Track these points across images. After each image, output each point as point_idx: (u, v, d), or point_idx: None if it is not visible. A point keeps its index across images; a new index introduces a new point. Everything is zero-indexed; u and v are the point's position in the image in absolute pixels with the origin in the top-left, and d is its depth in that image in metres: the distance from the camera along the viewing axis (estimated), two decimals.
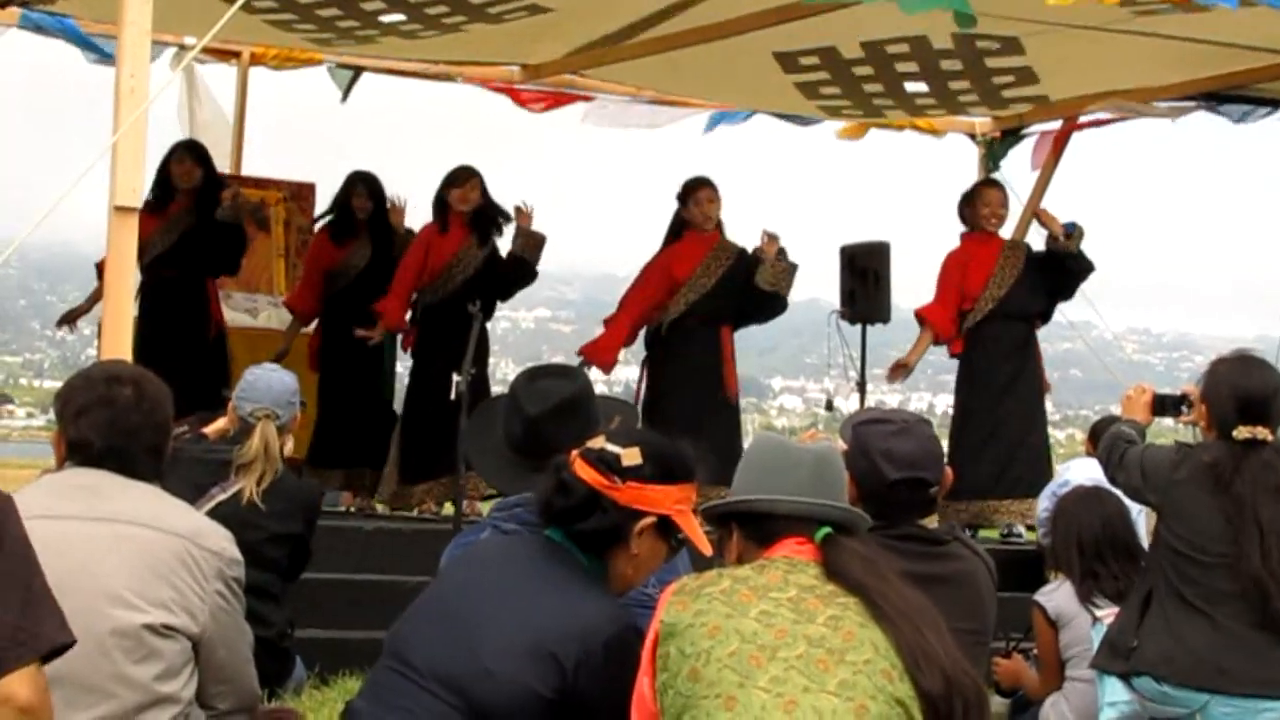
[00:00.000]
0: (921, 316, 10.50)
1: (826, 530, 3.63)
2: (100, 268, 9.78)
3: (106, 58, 9.97)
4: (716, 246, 10.20)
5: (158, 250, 9.69)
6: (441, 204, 9.95)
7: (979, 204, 10.40)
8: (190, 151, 10.04)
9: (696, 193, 10.21)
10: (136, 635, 4.09)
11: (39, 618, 3.38)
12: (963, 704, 3.38)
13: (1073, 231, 10.27)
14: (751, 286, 10.11)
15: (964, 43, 9.29)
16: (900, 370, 10.59)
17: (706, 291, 10.13)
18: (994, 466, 10.10)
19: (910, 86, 10.15)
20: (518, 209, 10.03)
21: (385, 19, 9.16)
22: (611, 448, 3.91)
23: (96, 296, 9.92)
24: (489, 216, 10.01)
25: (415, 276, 9.92)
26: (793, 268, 10.22)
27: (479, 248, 9.94)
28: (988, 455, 10.12)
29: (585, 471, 3.89)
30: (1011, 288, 10.32)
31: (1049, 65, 9.68)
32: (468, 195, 9.92)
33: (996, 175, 11.58)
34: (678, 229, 10.30)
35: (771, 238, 10.16)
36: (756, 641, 3.37)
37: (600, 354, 10.23)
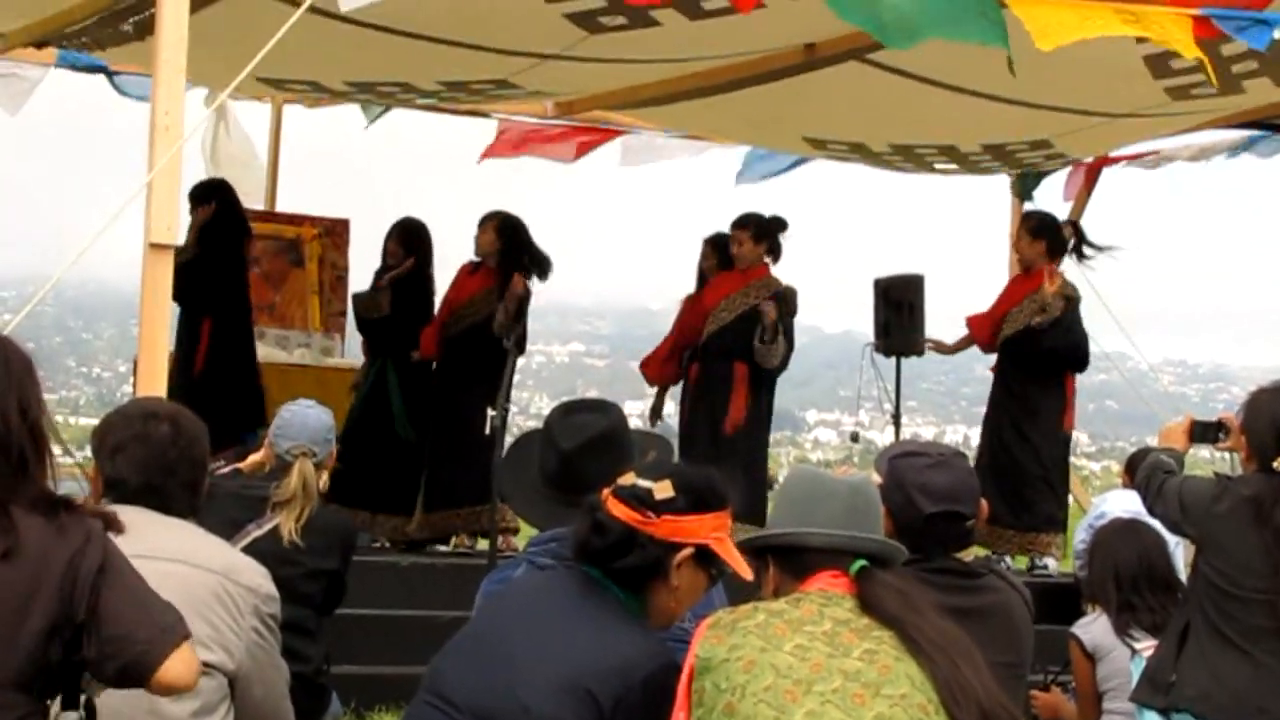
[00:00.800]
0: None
1: (861, 563, 3.62)
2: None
3: (133, 97, 10.07)
4: (751, 284, 10.21)
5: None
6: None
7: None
8: (193, 199, 9.95)
9: (731, 233, 10.32)
10: None
11: (166, 611, 3.52)
12: None
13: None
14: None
15: (995, 149, 9.45)
16: (935, 346, 10.68)
17: (724, 325, 10.17)
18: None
19: (939, 165, 10.30)
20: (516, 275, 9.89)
21: (421, 101, 9.44)
22: (643, 483, 3.90)
23: None
24: (512, 261, 9.93)
25: (447, 311, 9.99)
26: (777, 350, 10.12)
27: (495, 293, 9.88)
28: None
29: (619, 509, 3.88)
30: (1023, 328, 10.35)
31: (1070, 141, 9.75)
32: (479, 241, 10.00)
33: (1029, 206, 11.58)
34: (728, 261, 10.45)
35: (770, 308, 10.08)
36: (792, 676, 3.36)
37: (646, 366, 10.68)
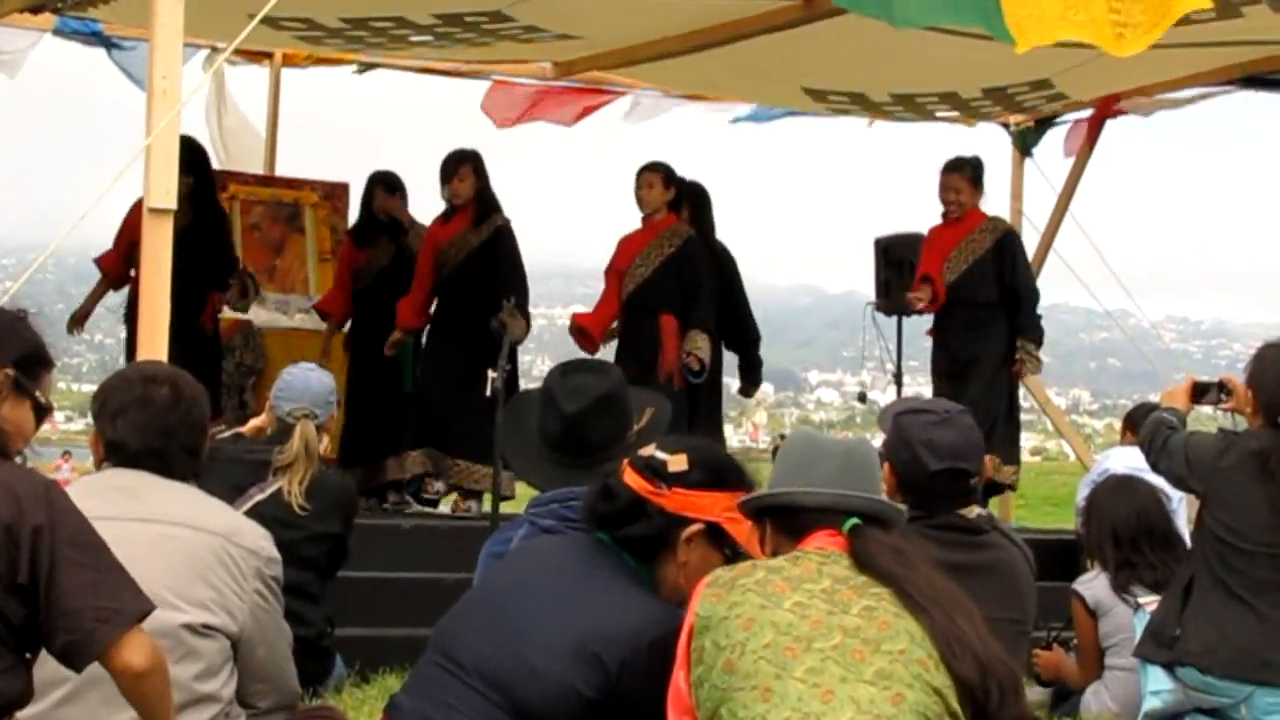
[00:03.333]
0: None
1: (854, 521, 3.61)
2: (99, 263, 9.78)
3: (135, 80, 10.02)
4: (662, 234, 9.94)
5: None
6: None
7: (939, 188, 10.33)
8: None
9: (637, 177, 9.99)
10: (175, 635, 4.10)
11: (115, 593, 3.52)
12: (998, 688, 3.36)
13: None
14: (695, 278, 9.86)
15: (996, 93, 9.39)
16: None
17: (644, 280, 9.91)
18: None
19: (940, 113, 10.22)
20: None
21: (415, 38, 9.33)
22: (660, 454, 3.90)
23: (98, 294, 9.90)
24: (487, 200, 9.74)
25: (429, 274, 9.81)
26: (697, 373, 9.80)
27: (474, 230, 9.68)
28: None
29: (632, 478, 3.89)
30: (964, 273, 10.15)
31: (1071, 79, 9.69)
32: (458, 189, 9.68)
33: (1029, 163, 11.54)
34: None
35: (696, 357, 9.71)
36: (792, 633, 3.36)
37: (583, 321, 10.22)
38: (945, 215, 10.20)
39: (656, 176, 9.91)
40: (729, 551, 3.91)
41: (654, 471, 3.88)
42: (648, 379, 9.28)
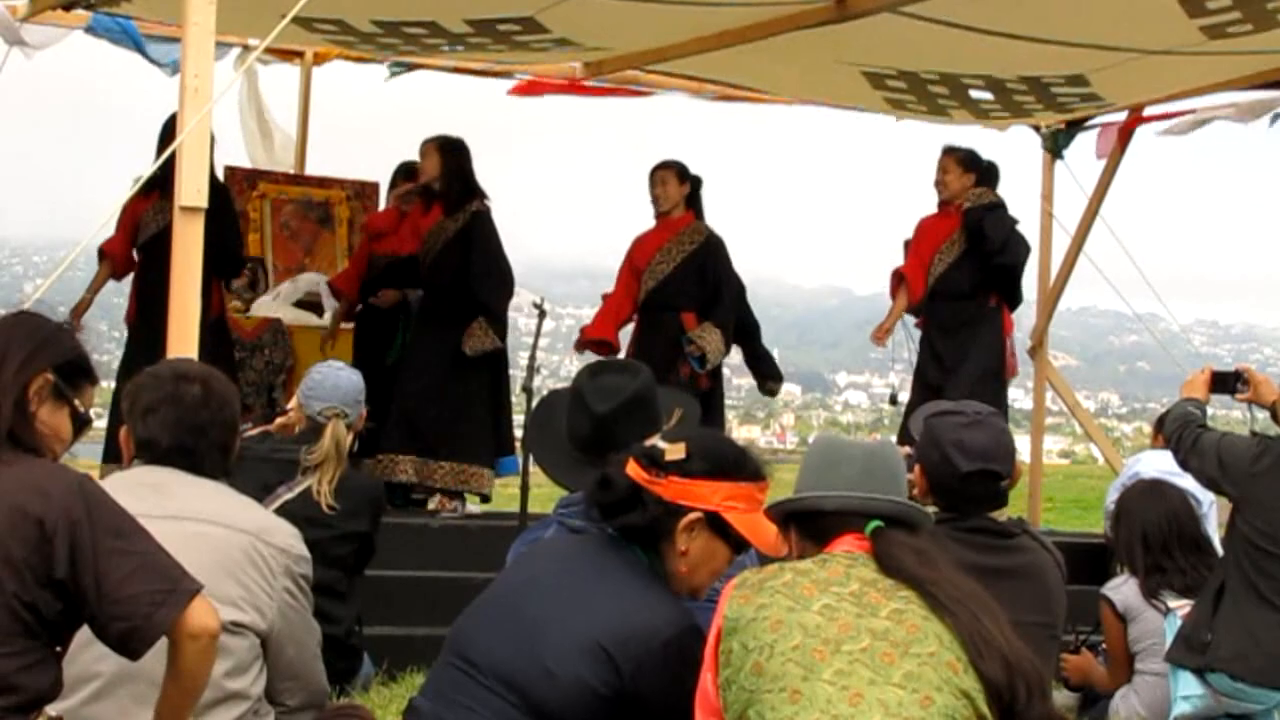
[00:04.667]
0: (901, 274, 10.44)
1: (876, 524, 3.60)
2: (103, 248, 9.71)
3: (165, 66, 10.01)
4: (682, 231, 9.96)
5: (152, 230, 9.38)
6: (424, 193, 9.70)
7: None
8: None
9: (650, 176, 10.01)
10: None
11: (165, 574, 3.57)
12: (1025, 688, 3.35)
13: None
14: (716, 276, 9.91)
15: (1032, 81, 9.36)
16: (881, 333, 10.43)
17: (664, 278, 9.92)
18: None
19: (976, 95, 10.16)
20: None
21: (446, 48, 9.36)
22: (660, 444, 3.90)
23: (100, 283, 9.83)
24: (463, 187, 9.56)
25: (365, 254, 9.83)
26: (715, 354, 9.80)
27: (450, 218, 9.53)
28: None
29: (631, 467, 3.89)
30: (951, 264, 10.14)
31: (1106, 79, 9.65)
32: (425, 167, 9.58)
33: (1060, 165, 11.50)
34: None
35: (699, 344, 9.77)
36: (820, 635, 3.36)
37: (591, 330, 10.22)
38: (938, 203, 10.25)
39: (670, 174, 9.95)
40: (735, 541, 3.91)
41: (651, 460, 3.88)
42: (664, 377, 9.01)
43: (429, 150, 9.57)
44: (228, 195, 9.95)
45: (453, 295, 9.35)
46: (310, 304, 10.96)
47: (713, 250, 9.90)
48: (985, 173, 10.23)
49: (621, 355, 9.95)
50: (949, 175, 10.15)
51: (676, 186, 9.93)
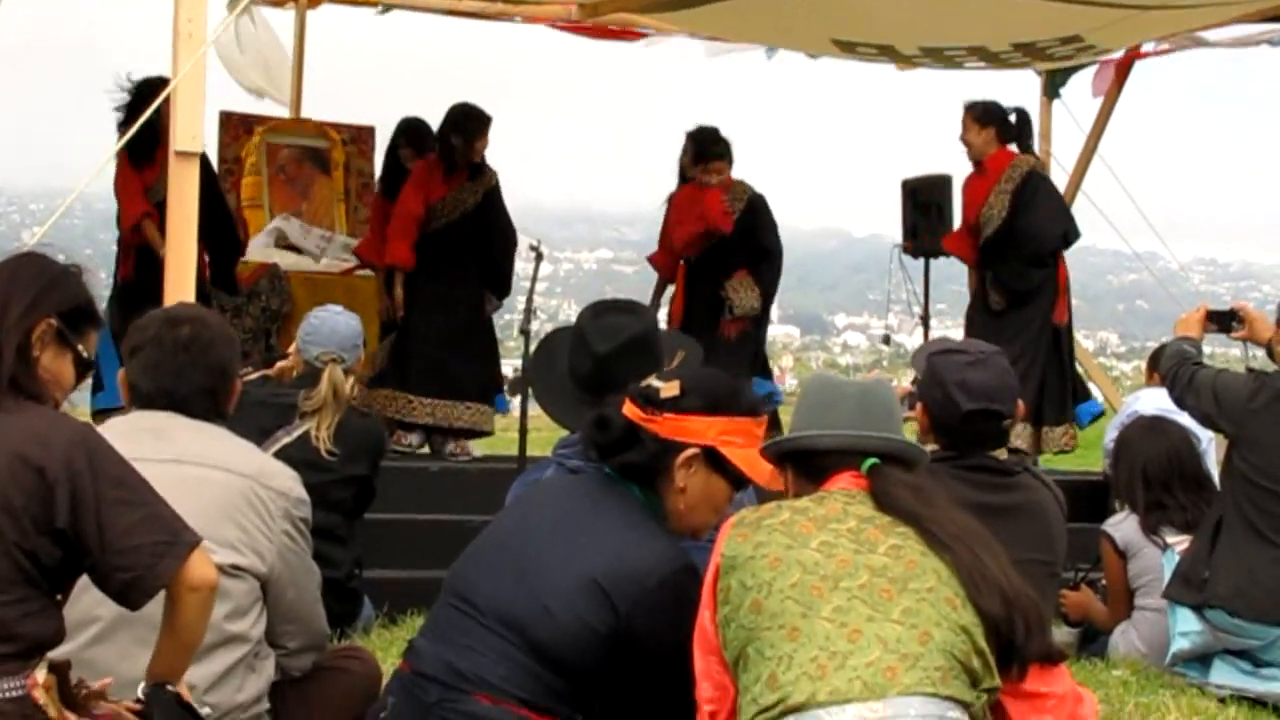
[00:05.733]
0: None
1: (872, 461, 3.60)
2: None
3: None
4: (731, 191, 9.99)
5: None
6: (449, 150, 9.66)
7: None
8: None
9: (707, 164, 9.99)
10: None
11: (167, 525, 3.57)
12: (1024, 622, 3.36)
13: None
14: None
15: (1026, 47, 9.30)
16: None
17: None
18: None
19: (963, 61, 10.13)
20: None
21: None
22: (655, 383, 3.90)
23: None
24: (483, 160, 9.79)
25: (418, 216, 9.71)
26: (748, 302, 9.94)
27: (469, 188, 9.68)
28: None
29: (628, 407, 3.90)
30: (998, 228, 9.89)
31: (1102, 36, 9.60)
32: (479, 148, 9.68)
33: (1058, 104, 11.46)
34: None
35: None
36: (818, 572, 3.36)
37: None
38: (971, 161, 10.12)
39: (725, 164, 9.99)
40: (734, 478, 3.92)
41: (647, 399, 3.89)
42: (712, 338, 9.41)
43: (486, 129, 9.64)
44: (221, 198, 9.84)
45: (466, 256, 9.52)
46: (292, 247, 10.97)
47: (760, 211, 9.99)
48: (1005, 123, 10.00)
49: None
50: (969, 133, 9.97)
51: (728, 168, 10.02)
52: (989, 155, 9.90)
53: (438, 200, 9.60)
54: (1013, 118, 10.03)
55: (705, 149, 9.97)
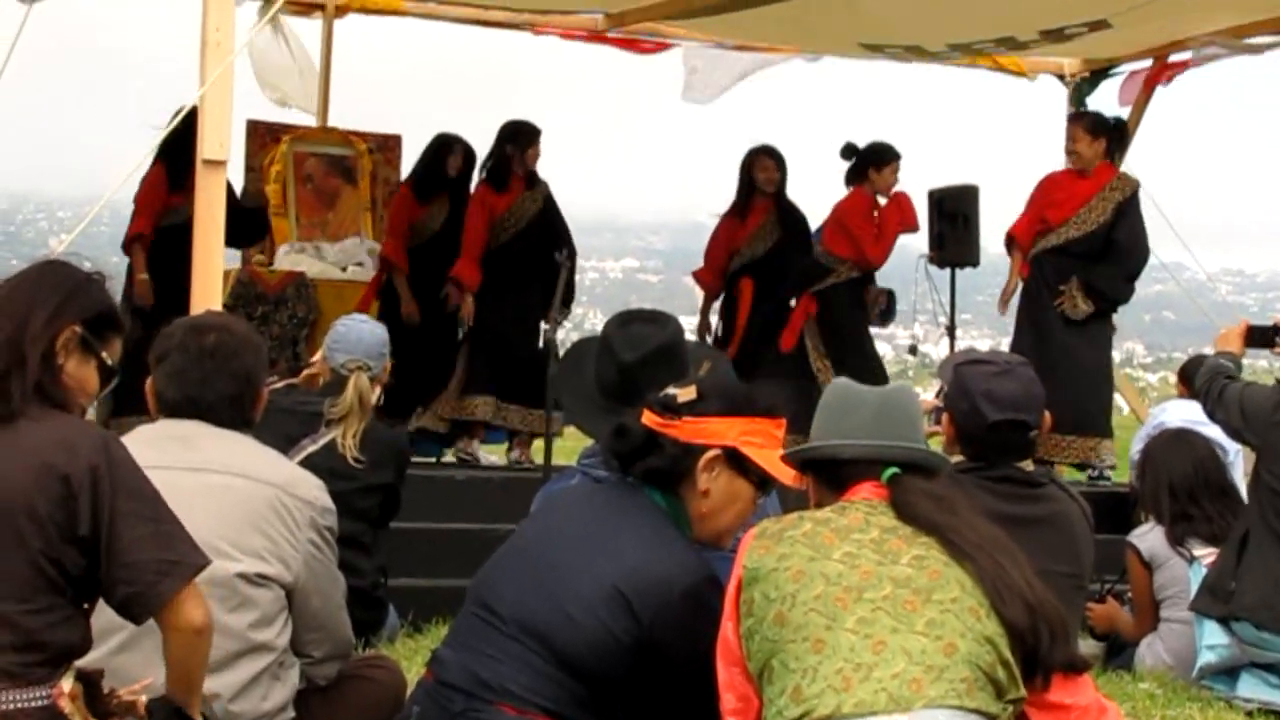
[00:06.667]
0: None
1: (893, 470, 3.59)
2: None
3: None
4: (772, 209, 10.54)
5: (176, 220, 8.78)
6: (504, 161, 9.97)
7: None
8: None
9: (753, 160, 10.58)
10: (230, 584, 4.12)
11: (174, 545, 3.56)
12: (1048, 631, 3.35)
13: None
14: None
15: (1052, 34, 9.29)
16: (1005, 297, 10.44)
17: (758, 257, 10.52)
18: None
19: (992, 53, 10.16)
20: None
21: None
22: (672, 390, 3.91)
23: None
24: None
25: (484, 236, 9.98)
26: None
27: (530, 197, 10.06)
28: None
29: (646, 415, 3.90)
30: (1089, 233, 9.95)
31: (1130, 20, 9.56)
32: (532, 158, 10.06)
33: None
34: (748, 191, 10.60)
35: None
36: (842, 584, 3.35)
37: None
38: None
39: (771, 161, 10.58)
40: (757, 480, 3.91)
41: (665, 406, 3.89)
42: (768, 351, 10.19)
43: (538, 140, 10.04)
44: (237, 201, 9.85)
45: (528, 263, 9.80)
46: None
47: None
48: (1114, 133, 10.11)
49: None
50: (1079, 144, 9.98)
51: (775, 171, 10.54)
52: (1098, 166, 10.02)
53: (504, 212, 9.95)
54: (1113, 127, 10.21)
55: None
